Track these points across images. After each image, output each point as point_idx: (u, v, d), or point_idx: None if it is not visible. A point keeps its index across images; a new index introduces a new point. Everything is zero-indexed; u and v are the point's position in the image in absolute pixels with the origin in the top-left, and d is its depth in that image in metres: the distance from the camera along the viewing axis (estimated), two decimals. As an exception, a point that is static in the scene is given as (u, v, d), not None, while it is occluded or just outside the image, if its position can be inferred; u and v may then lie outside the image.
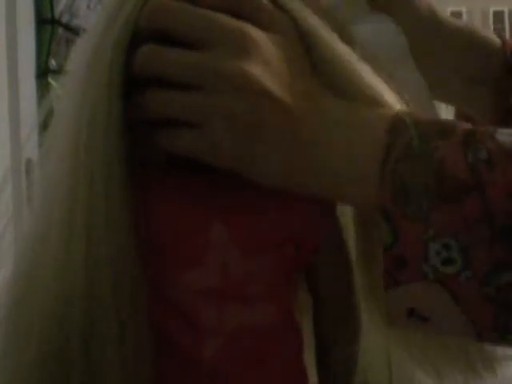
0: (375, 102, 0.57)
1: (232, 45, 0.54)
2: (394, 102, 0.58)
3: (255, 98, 0.53)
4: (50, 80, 1.59)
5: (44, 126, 0.62)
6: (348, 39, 0.59)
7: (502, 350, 0.59)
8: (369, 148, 0.54)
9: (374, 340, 0.67)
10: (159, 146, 0.57)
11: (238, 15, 0.55)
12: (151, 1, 0.56)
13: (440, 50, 0.72)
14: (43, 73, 1.60)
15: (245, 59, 0.53)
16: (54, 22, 1.66)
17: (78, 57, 0.60)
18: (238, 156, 0.55)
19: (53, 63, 1.63)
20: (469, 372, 0.61)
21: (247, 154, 0.55)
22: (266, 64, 0.54)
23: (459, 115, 0.77)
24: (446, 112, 0.77)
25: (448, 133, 0.53)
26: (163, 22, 0.55)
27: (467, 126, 0.54)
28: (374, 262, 0.61)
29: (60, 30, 1.68)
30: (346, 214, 0.66)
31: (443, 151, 0.52)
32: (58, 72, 1.60)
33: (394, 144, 0.52)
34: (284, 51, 0.55)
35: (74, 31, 1.69)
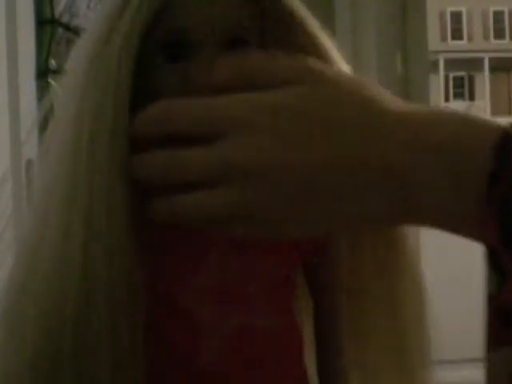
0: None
1: (239, 133, 0.47)
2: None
3: (283, 180, 0.46)
4: (50, 80, 1.59)
5: (44, 126, 0.62)
6: None
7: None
8: (470, 178, 0.44)
9: None
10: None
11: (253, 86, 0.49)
12: (151, 109, 0.49)
13: None
14: (43, 73, 1.61)
15: (253, 143, 0.47)
16: (54, 21, 1.66)
17: (80, 55, 0.60)
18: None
19: (53, 63, 1.63)
20: None
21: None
22: (280, 135, 0.47)
23: None
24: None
25: None
26: (168, 128, 0.49)
27: None
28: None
29: (60, 30, 1.68)
30: None
31: None
32: (57, 72, 1.60)
33: (502, 173, 0.43)
34: (307, 104, 0.48)
35: (73, 31, 1.69)
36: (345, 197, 0.46)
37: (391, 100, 0.47)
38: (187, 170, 0.47)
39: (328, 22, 0.63)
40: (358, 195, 0.45)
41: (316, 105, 0.47)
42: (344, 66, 0.62)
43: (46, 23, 1.65)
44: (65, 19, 1.71)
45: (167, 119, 0.48)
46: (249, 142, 0.46)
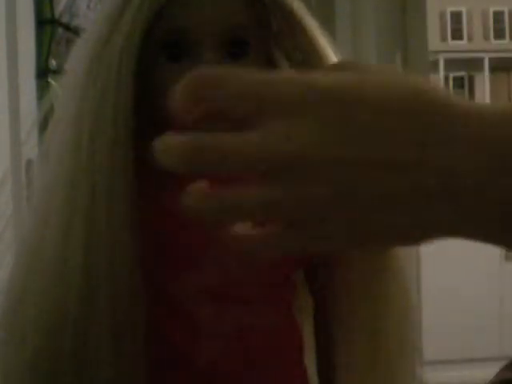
0: None
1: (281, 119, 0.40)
2: None
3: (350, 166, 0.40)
4: (50, 80, 1.59)
5: (44, 126, 0.62)
6: None
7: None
8: None
9: None
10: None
11: None
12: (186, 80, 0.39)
13: None
14: (43, 73, 1.60)
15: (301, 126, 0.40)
16: (54, 21, 1.66)
17: (80, 56, 0.60)
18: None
19: (53, 63, 1.63)
20: None
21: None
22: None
23: None
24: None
25: None
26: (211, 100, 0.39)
27: None
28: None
29: (60, 30, 1.68)
30: None
31: None
32: (57, 72, 1.60)
33: None
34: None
35: (73, 31, 1.69)
36: (397, 204, 0.40)
37: (454, 96, 0.41)
38: (236, 159, 0.39)
39: (328, 22, 0.63)
40: (411, 203, 0.40)
41: (376, 95, 0.41)
42: None
43: (46, 23, 1.65)
44: (65, 19, 1.71)
45: (210, 87, 0.38)
46: (300, 132, 0.39)
